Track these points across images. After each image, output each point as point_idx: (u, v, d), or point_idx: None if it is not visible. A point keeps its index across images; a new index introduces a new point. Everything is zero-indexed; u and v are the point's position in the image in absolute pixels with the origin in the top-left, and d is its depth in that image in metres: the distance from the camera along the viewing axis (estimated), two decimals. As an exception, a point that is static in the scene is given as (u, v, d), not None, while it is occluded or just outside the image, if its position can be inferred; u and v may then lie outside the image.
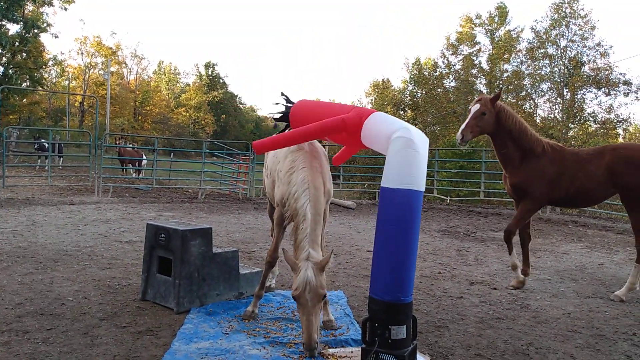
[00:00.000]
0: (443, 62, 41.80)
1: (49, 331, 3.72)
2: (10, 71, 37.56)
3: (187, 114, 62.62)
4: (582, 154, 5.67)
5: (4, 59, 37.76)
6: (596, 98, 34.29)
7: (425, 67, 43.80)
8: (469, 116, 5.56)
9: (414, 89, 43.55)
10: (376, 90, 46.10)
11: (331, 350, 3.51)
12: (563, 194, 5.57)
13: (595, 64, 33.68)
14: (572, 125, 35.68)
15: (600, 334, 4.27)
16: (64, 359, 3.26)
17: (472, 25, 41.05)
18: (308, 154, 3.97)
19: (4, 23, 33.72)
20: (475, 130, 5.50)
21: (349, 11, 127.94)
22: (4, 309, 4.16)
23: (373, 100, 45.73)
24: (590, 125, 35.40)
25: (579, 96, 34.43)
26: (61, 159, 23.41)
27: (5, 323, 3.84)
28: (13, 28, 35.98)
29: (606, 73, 32.59)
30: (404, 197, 3.15)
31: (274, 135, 4.09)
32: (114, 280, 5.26)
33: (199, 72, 69.60)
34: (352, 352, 3.49)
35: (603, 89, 33.09)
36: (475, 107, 5.54)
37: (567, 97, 34.84)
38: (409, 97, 43.88)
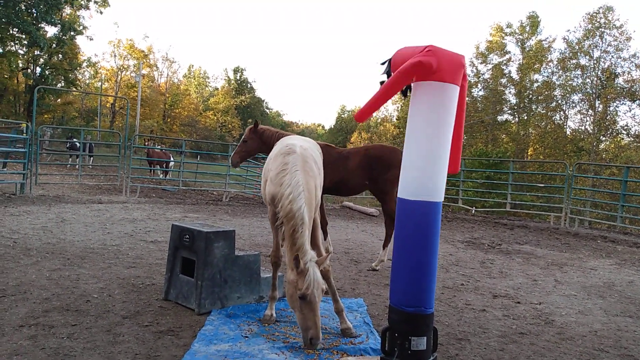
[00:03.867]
0: (472, 70, 41.41)
1: (73, 327, 3.80)
2: (46, 72, 38.91)
3: (215, 118, 63.53)
4: (344, 152, 6.83)
5: (41, 60, 39.15)
6: (630, 110, 33.51)
7: (453, 75, 43.36)
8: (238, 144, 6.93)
9: (442, 97, 43.10)
10: (403, 97, 45.81)
11: (349, 359, 3.49)
12: (329, 184, 6.34)
13: (630, 75, 32.89)
14: (604, 138, 34.84)
15: (629, 354, 4.14)
16: (87, 355, 3.33)
17: (503, 34, 40.58)
18: (300, 157, 3.96)
19: (42, 25, 34.92)
20: (242, 155, 6.85)
21: (378, 18, 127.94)
22: (32, 303, 4.28)
23: (399, 107, 45.52)
24: (622, 139, 34.49)
25: (611, 108, 33.63)
26: (91, 158, 24.01)
27: (32, 317, 3.95)
28: (51, 30, 37.29)
29: (641, 85, 31.76)
30: (422, 209, 3.12)
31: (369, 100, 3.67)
32: (138, 279, 5.35)
33: (228, 77, 70.58)
34: (370, 361, 3.46)
35: (638, 101, 32.23)
36: (244, 136, 6.85)
37: (599, 109, 34.05)
38: (436, 106, 43.43)
